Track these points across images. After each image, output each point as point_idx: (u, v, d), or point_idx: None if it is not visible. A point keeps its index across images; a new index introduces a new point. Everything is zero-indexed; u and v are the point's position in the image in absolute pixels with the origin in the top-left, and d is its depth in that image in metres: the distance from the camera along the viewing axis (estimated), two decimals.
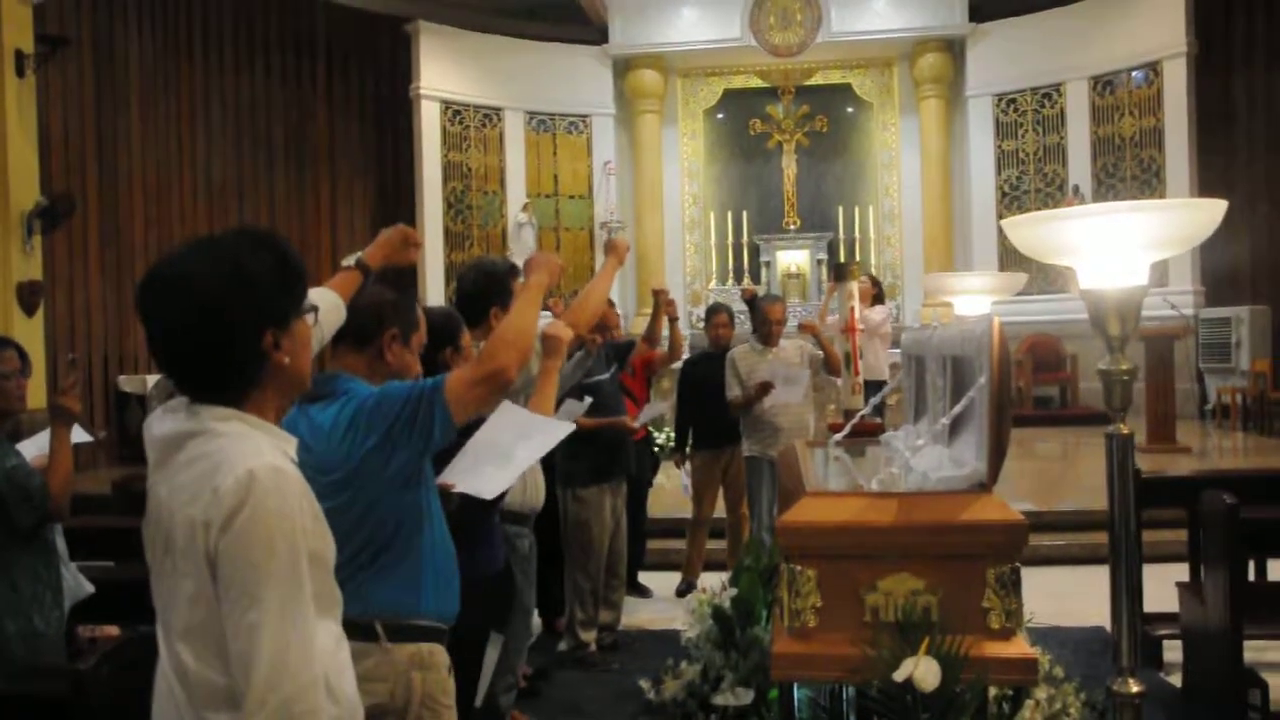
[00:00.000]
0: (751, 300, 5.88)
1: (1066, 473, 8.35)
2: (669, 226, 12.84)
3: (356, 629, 1.89)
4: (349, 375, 2.04)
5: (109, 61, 9.46)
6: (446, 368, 2.58)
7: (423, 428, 1.87)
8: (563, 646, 4.55)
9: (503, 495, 2.62)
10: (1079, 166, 11.67)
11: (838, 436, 3.06)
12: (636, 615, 5.23)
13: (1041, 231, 2.26)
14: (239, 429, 1.34)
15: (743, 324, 6.38)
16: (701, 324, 5.87)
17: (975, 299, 5.89)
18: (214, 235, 1.39)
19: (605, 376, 4.51)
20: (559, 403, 3.79)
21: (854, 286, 3.95)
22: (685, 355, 5.79)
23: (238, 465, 1.28)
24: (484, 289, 3.10)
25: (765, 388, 4.88)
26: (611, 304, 5.40)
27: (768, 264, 12.54)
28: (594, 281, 2.99)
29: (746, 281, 11.99)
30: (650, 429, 6.12)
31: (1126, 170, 11.41)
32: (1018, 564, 2.08)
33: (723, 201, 12.98)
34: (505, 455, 2.36)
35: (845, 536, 2.11)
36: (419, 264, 11.14)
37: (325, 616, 1.36)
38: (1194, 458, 8.02)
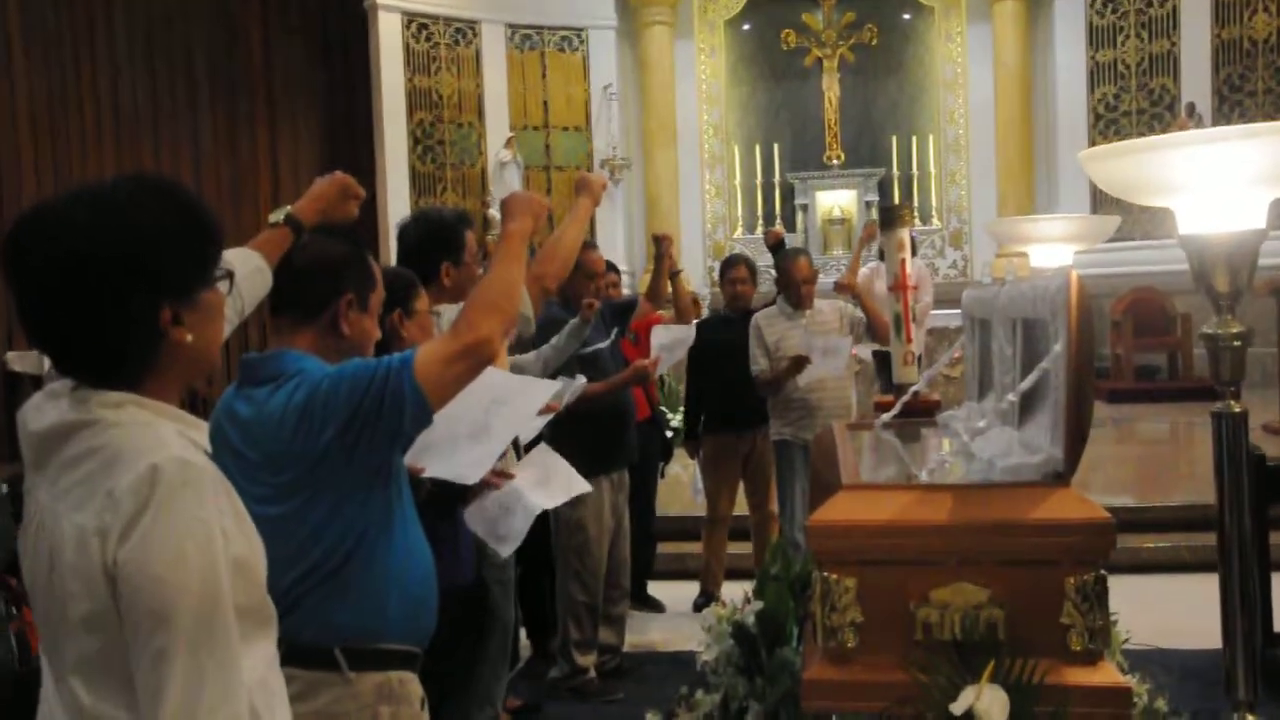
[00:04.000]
0: (777, 246, 5.82)
1: (1175, 459, 8.32)
2: (684, 164, 12.79)
3: (314, 656, 1.93)
4: (298, 353, 2.05)
5: None
6: (395, 334, 2.58)
7: (390, 416, 1.87)
8: (556, 673, 4.58)
9: (476, 487, 2.63)
10: (1195, 80, 11.47)
11: (885, 416, 3.05)
12: (645, 634, 5.26)
13: (1129, 165, 2.23)
14: (136, 416, 1.34)
15: (767, 279, 6.35)
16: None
17: (1056, 248, 5.86)
18: (100, 184, 1.38)
19: (605, 344, 4.51)
20: (551, 378, 3.80)
21: (906, 235, 3.91)
22: (702, 316, 5.74)
23: (137, 460, 1.28)
24: (430, 243, 3.16)
25: (799, 364, 4.87)
26: (613, 267, 5.38)
27: (805, 208, 12.50)
28: (563, 226, 3.01)
29: (779, 225, 11.94)
30: (663, 409, 6.10)
31: (1259, 82, 11.20)
32: (1103, 571, 2.08)
33: (749, 132, 12.91)
34: (481, 427, 2.38)
35: (891, 538, 2.11)
36: (377, 216, 11.13)
37: (254, 637, 1.36)
38: None
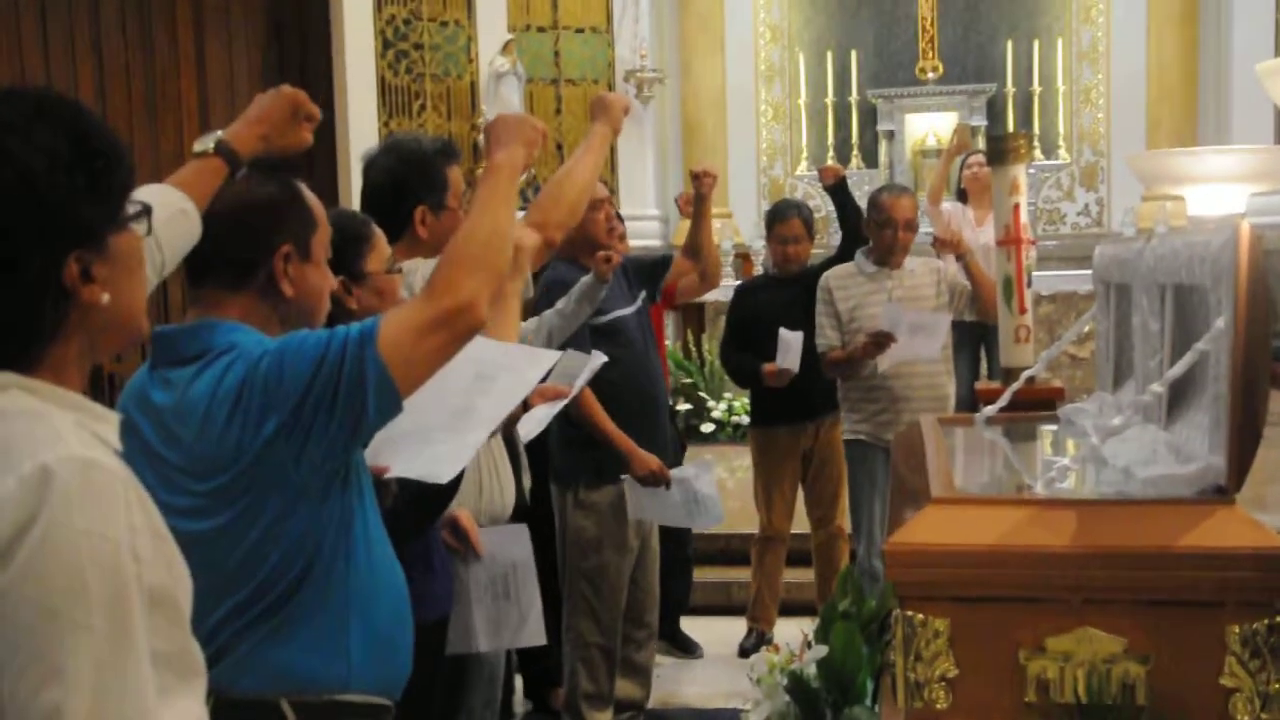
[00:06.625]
0: (838, 187, 5.75)
1: None
2: (735, 79, 12.74)
3: (254, 712, 1.97)
4: (231, 323, 2.08)
5: None
6: (341, 307, 2.60)
7: (350, 402, 1.91)
8: None
9: (450, 493, 2.64)
10: None
11: (990, 409, 3.04)
12: (676, 686, 5.30)
13: None
14: (22, 403, 1.34)
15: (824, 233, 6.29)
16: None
17: (1223, 190, 5.82)
18: None
19: (629, 311, 4.52)
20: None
21: (1020, 172, 3.86)
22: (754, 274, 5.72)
23: (21, 459, 1.28)
24: (401, 181, 3.20)
25: (880, 342, 4.85)
26: (618, 216, 5.34)
27: (891, 135, 12.41)
28: (574, 160, 3.05)
29: (855, 158, 11.86)
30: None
31: None
32: None
33: (819, 36, 12.83)
34: (461, 411, 2.42)
35: (995, 567, 2.11)
36: (335, 143, 11.14)
37: (176, 692, 1.38)
38: None
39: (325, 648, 2.01)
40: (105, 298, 1.39)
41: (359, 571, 2.06)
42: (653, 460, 4.40)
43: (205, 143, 2.24)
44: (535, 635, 3.30)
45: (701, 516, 4.56)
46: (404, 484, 2.46)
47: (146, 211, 1.47)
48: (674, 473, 4.45)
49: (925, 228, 6.97)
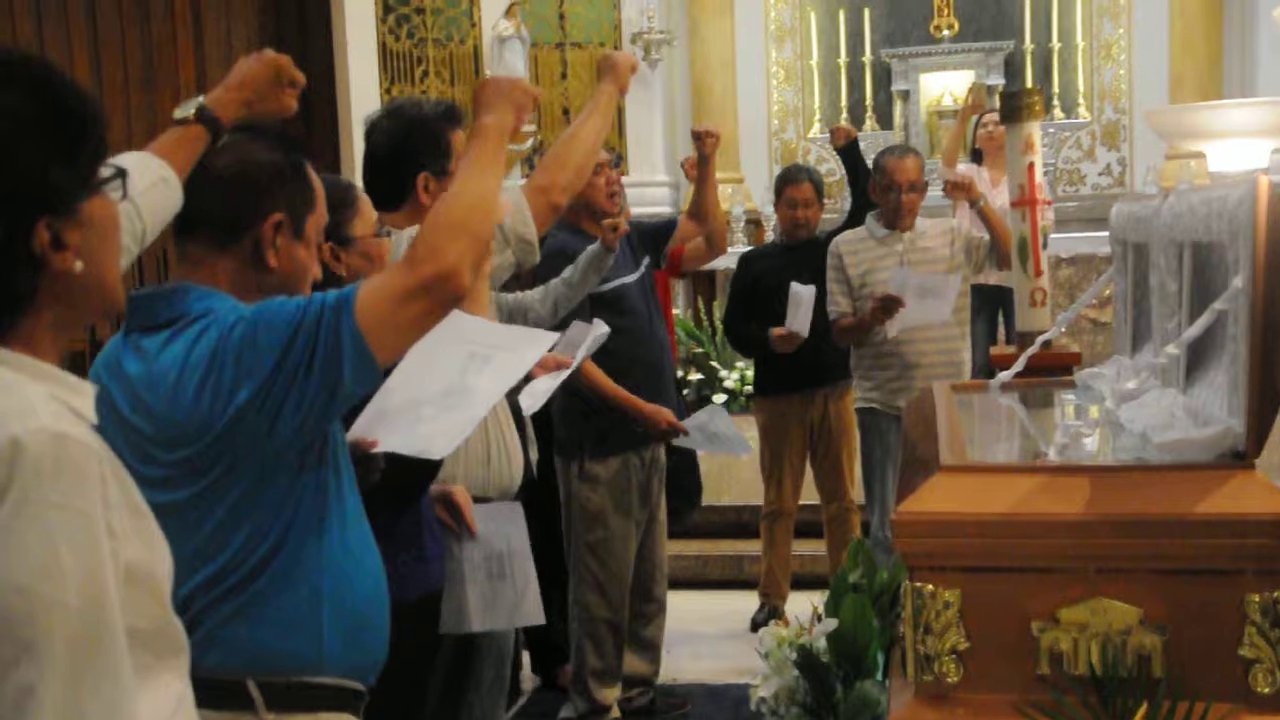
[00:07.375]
0: (849, 149, 5.77)
1: None
2: (744, 39, 12.68)
3: (218, 691, 1.94)
4: (207, 288, 2.07)
5: None
6: (330, 274, 2.60)
7: (326, 370, 1.90)
8: (568, 712, 4.63)
9: (434, 469, 2.65)
10: None
11: (1005, 375, 3.03)
12: (688, 661, 5.30)
13: None
14: None
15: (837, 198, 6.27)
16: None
17: (1245, 145, 5.77)
18: None
19: (633, 278, 4.52)
20: (562, 325, 3.79)
21: (1034, 130, 3.83)
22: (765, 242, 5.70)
23: None
24: (403, 147, 3.19)
25: (888, 306, 4.82)
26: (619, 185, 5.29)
27: (906, 95, 12.36)
28: (579, 121, 3.04)
29: (869, 118, 11.80)
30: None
31: None
32: None
33: None
34: (455, 390, 2.43)
35: (1007, 537, 2.10)
36: (336, 111, 11.12)
37: (155, 671, 1.38)
38: None
39: (296, 627, 2.01)
40: (78, 265, 1.38)
41: (333, 551, 2.06)
42: (663, 413, 4.42)
43: (187, 109, 2.23)
44: (532, 615, 3.28)
45: (727, 449, 4.83)
46: (388, 458, 2.46)
47: (121, 175, 1.45)
48: (686, 422, 4.53)
49: (936, 189, 6.95)
